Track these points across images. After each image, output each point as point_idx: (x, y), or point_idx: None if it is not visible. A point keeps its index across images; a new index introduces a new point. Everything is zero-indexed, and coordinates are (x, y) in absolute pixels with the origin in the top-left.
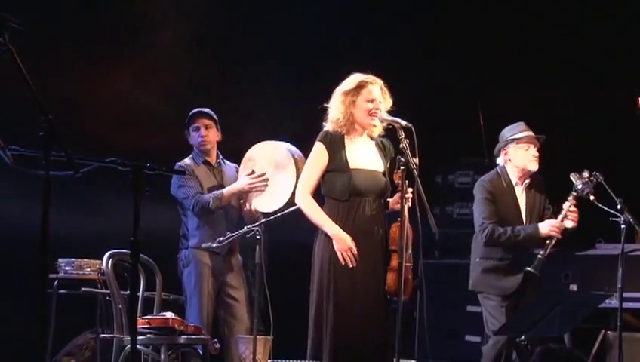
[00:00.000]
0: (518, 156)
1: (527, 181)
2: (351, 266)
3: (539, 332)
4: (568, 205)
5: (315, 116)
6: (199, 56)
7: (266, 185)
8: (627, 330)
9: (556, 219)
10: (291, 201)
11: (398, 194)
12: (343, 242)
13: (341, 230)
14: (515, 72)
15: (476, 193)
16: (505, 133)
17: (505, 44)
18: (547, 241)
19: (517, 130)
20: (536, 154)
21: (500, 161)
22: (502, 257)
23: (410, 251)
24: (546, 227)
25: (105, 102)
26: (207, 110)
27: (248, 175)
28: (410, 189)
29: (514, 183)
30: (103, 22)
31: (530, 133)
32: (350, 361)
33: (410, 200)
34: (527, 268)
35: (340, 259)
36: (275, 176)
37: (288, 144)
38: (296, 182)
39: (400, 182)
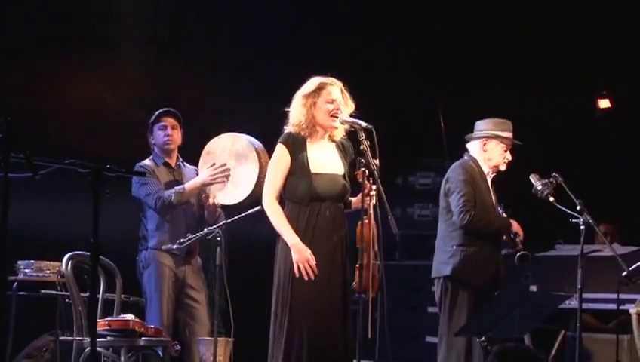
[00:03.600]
0: (496, 153)
1: (492, 175)
2: (306, 279)
3: (499, 332)
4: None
5: (279, 117)
6: (167, 60)
7: (228, 176)
8: (586, 331)
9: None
10: (255, 193)
11: (360, 194)
12: (302, 253)
13: (300, 241)
14: (475, 73)
15: (455, 175)
16: (488, 124)
17: (465, 45)
18: (512, 236)
19: (503, 128)
20: (510, 158)
21: (472, 146)
22: (482, 244)
23: (376, 248)
24: (516, 224)
25: (73, 108)
26: (174, 110)
27: (209, 167)
28: (374, 186)
29: (485, 172)
30: (72, 27)
31: (512, 137)
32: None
33: (374, 197)
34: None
35: (296, 270)
36: (237, 168)
37: (247, 135)
38: (259, 172)
39: (363, 180)
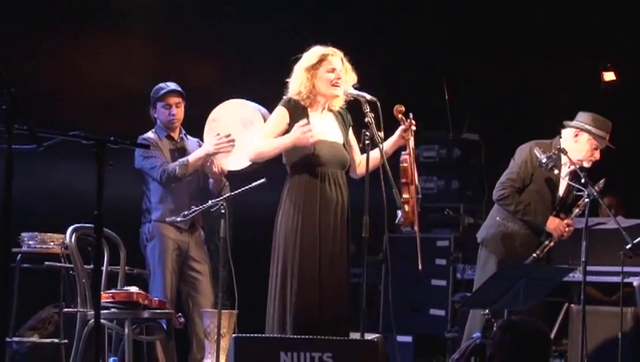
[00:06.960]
0: (585, 148)
1: (571, 168)
2: (309, 139)
3: (503, 306)
4: (577, 211)
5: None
6: (172, 34)
7: (233, 145)
8: (591, 304)
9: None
10: None
11: (399, 130)
12: (296, 132)
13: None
14: (481, 46)
15: (520, 152)
16: (587, 117)
17: (471, 17)
18: (546, 242)
19: (599, 127)
20: (598, 158)
21: (565, 133)
22: (524, 226)
23: (417, 183)
24: (554, 224)
25: (84, 83)
26: (177, 88)
27: (214, 137)
28: (413, 122)
29: (563, 162)
30: (83, 2)
31: (607, 138)
32: (313, 331)
33: (413, 132)
34: None
35: (299, 134)
36: (243, 133)
37: (253, 103)
38: None
39: (401, 116)
